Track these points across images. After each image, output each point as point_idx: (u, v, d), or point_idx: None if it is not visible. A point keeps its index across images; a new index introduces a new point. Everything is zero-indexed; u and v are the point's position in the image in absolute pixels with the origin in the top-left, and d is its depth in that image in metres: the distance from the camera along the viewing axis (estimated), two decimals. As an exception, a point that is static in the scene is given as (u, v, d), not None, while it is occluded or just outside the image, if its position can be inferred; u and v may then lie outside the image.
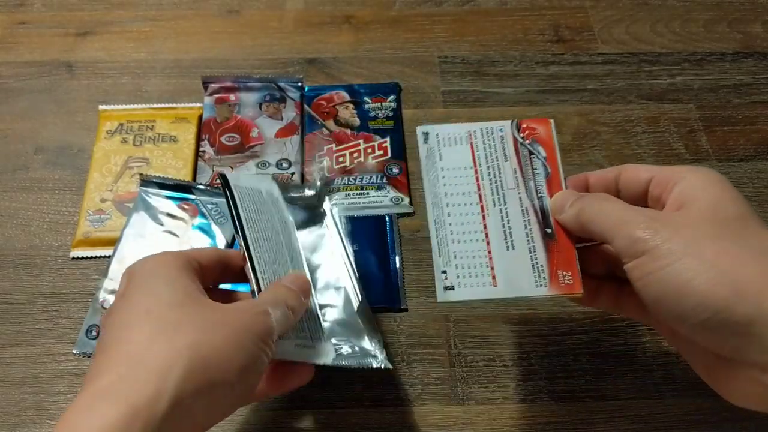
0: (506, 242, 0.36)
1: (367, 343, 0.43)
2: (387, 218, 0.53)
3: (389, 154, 0.56)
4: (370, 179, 0.55)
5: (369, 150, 0.57)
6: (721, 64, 0.64)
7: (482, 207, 0.37)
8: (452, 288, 0.36)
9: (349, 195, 0.54)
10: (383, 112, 0.59)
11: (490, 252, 0.36)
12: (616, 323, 0.49)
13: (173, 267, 0.33)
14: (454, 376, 0.46)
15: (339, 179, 0.55)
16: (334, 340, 0.41)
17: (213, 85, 0.60)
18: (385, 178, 0.55)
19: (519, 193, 0.38)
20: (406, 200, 0.54)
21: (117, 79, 0.62)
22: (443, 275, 0.36)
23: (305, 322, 0.39)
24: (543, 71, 0.63)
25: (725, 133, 0.59)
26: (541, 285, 0.35)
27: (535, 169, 0.38)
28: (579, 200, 0.35)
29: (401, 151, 0.57)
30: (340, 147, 0.57)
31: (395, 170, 0.55)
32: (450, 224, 0.37)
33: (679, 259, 0.28)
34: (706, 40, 0.66)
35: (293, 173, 0.55)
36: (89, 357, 0.47)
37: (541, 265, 0.36)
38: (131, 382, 0.27)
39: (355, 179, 0.55)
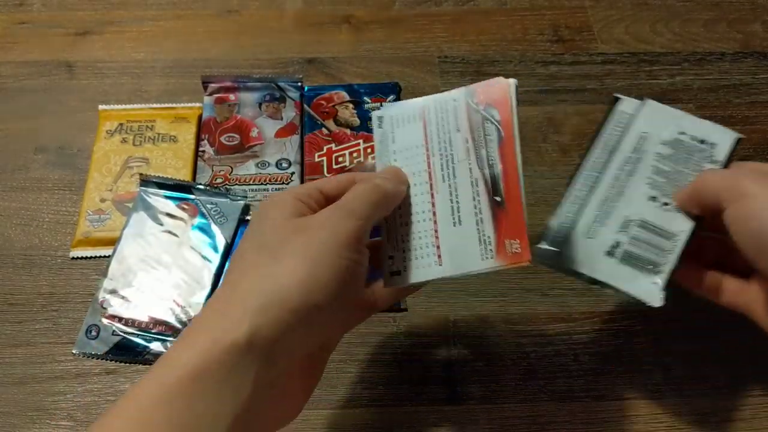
0: (453, 218, 0.35)
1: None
2: (387, 218, 0.53)
3: (389, 154, 0.56)
4: (369, 179, 0.55)
5: (369, 150, 0.57)
6: (721, 64, 0.64)
7: (431, 185, 0.36)
8: (398, 273, 0.35)
9: (349, 195, 0.54)
10: (383, 112, 0.59)
11: (436, 231, 0.35)
12: (616, 323, 0.49)
13: (279, 208, 0.33)
14: (453, 375, 0.46)
15: (339, 179, 0.55)
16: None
17: (213, 84, 0.60)
18: (384, 178, 0.55)
19: (470, 163, 0.36)
20: (406, 200, 0.54)
21: (117, 79, 0.62)
22: (390, 261, 0.35)
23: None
24: (543, 71, 0.63)
25: (725, 133, 0.59)
26: (487, 257, 0.34)
27: (488, 135, 0.36)
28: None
29: (401, 151, 0.57)
30: (339, 147, 0.57)
31: (395, 170, 0.55)
32: (399, 207, 0.36)
33: None
34: (706, 40, 0.66)
35: (293, 173, 0.55)
36: (89, 357, 0.47)
37: (488, 237, 0.34)
38: (215, 319, 0.29)
39: (354, 179, 0.55)
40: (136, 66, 0.63)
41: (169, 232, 0.51)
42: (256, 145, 0.57)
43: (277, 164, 0.56)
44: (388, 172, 0.37)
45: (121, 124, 0.57)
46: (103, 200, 0.53)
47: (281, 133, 0.58)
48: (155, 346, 0.46)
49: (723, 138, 0.41)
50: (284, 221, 0.32)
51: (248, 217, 0.53)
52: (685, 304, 0.40)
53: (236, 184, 0.54)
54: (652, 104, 0.43)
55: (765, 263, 0.32)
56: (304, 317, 0.29)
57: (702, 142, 0.41)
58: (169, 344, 0.47)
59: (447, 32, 0.66)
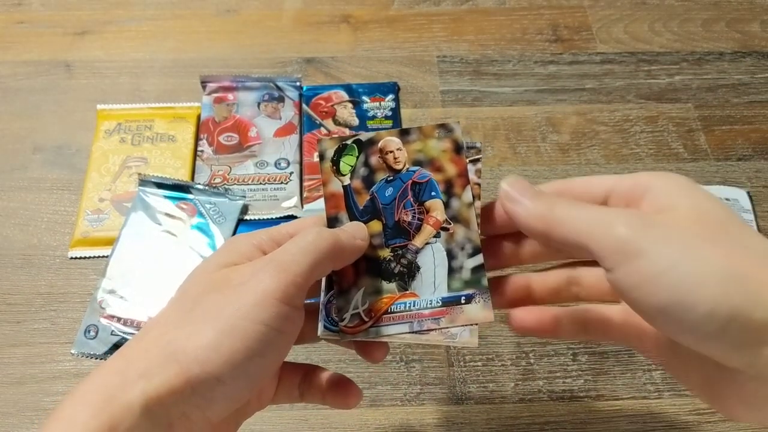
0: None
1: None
2: (385, 218, 0.53)
3: (388, 154, 0.56)
4: (368, 179, 0.55)
5: (367, 149, 0.57)
6: (720, 63, 0.64)
7: None
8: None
9: (348, 195, 0.54)
10: (382, 111, 0.59)
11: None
12: (615, 323, 0.49)
13: (219, 254, 0.31)
14: (452, 375, 0.46)
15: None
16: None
17: (211, 84, 0.60)
18: (383, 178, 0.55)
19: None
20: (405, 200, 0.54)
21: (115, 79, 0.62)
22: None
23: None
24: (541, 71, 0.63)
25: (723, 133, 0.59)
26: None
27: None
28: (546, 198, 0.28)
29: (400, 150, 0.57)
30: (338, 146, 0.57)
31: (394, 170, 0.55)
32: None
33: (680, 262, 0.24)
34: (705, 39, 0.66)
35: (291, 173, 0.55)
36: (87, 357, 0.47)
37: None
38: (111, 375, 0.26)
39: (353, 179, 0.55)
40: (134, 65, 0.63)
41: (168, 232, 0.51)
42: (254, 144, 0.57)
43: (276, 164, 0.56)
44: (350, 225, 0.32)
45: (119, 124, 0.57)
46: (101, 200, 0.53)
47: (280, 133, 0.58)
48: (154, 346, 0.46)
49: (738, 193, 0.54)
50: (209, 274, 0.29)
51: (247, 217, 0.53)
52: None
53: (235, 183, 0.54)
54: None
55: (690, 338, 0.25)
56: (200, 389, 0.26)
57: (728, 199, 0.54)
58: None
59: (446, 32, 0.66)
